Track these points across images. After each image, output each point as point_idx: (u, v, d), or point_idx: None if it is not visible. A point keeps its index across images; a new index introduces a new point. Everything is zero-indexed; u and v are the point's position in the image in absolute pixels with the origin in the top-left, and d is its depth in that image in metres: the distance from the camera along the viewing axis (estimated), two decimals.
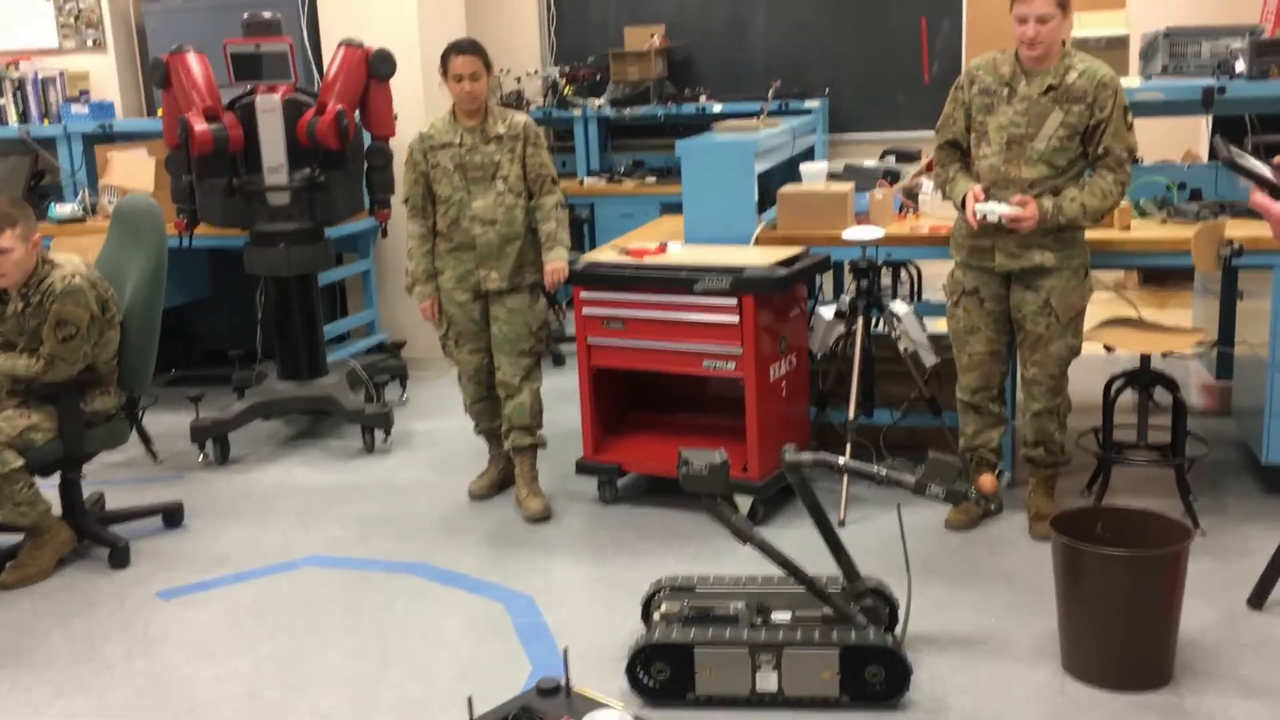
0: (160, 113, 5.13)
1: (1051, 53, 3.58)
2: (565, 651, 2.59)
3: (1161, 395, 4.01)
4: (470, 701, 2.39)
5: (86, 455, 4.06)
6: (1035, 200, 3.56)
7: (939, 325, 4.40)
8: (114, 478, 4.82)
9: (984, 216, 3.57)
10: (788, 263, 4.05)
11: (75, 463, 4.04)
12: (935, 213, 4.47)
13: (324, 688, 3.15)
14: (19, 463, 3.77)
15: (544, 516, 4.20)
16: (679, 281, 3.99)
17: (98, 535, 4.07)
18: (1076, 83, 3.56)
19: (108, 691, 3.17)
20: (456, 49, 4.04)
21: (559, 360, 6.21)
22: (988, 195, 3.66)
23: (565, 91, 7.58)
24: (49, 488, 3.98)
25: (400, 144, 4.72)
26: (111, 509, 4.33)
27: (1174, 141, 6.64)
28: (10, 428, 3.78)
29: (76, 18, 6.49)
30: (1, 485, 3.74)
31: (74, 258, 3.96)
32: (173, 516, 4.32)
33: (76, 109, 6.28)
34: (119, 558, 3.98)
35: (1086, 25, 6.94)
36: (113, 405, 4.03)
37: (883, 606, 3.09)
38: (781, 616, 3.06)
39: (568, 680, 2.49)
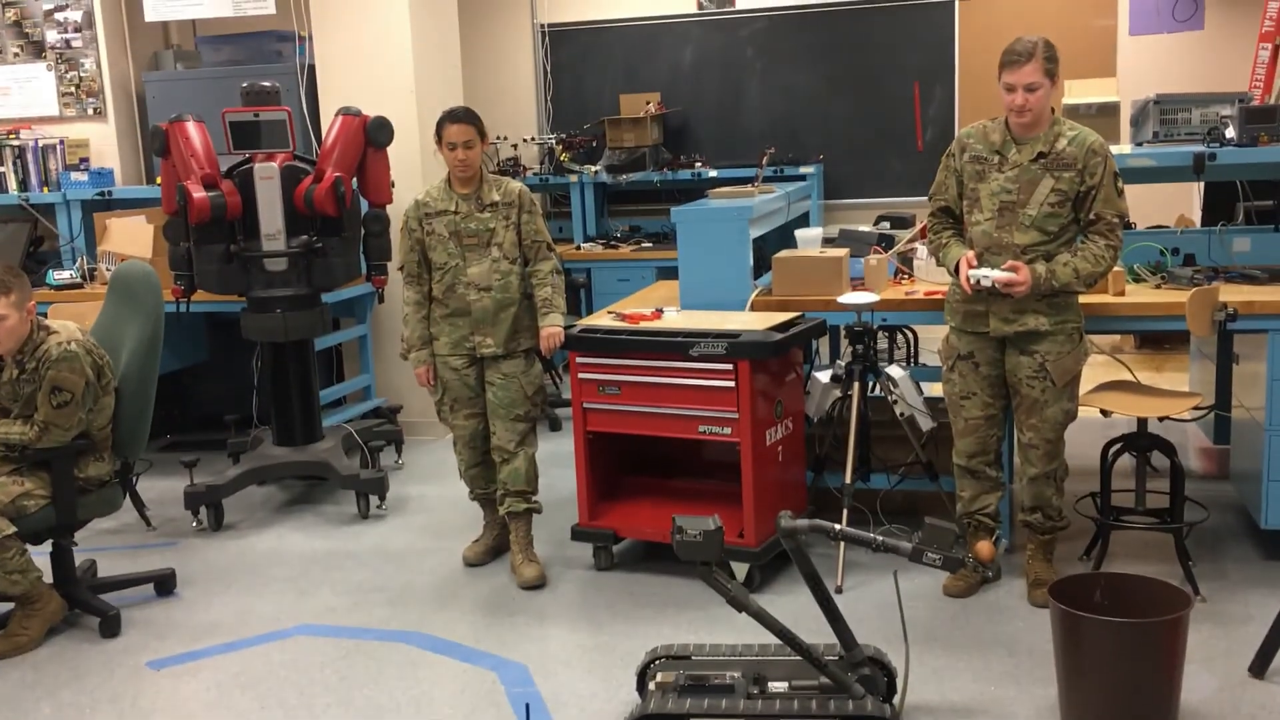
0: (159, 180, 5.17)
1: (1041, 120, 3.62)
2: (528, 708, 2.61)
3: (1159, 460, 4.00)
4: None
5: (79, 522, 4.02)
6: (1028, 266, 3.58)
7: (935, 389, 4.41)
8: (107, 544, 4.79)
9: (978, 282, 3.60)
10: (783, 327, 4.06)
11: (68, 530, 4.01)
12: (930, 277, 4.49)
13: None
14: (11, 530, 3.74)
15: (539, 583, 4.16)
16: (675, 346, 4.00)
17: (88, 604, 4.02)
18: (1066, 150, 3.60)
19: None
20: (451, 117, 4.08)
21: (555, 425, 6.20)
22: (981, 261, 3.68)
23: (562, 158, 7.66)
24: (39, 555, 3.95)
25: (397, 211, 4.76)
26: (103, 577, 4.28)
27: (1167, 207, 6.70)
28: (3, 494, 3.76)
29: (77, 86, 6.56)
30: None
31: (70, 324, 3.96)
32: (164, 584, 4.28)
33: (76, 176, 6.33)
34: (109, 627, 3.93)
35: (1078, 93, 7.06)
36: (106, 472, 4.01)
37: (880, 675, 3.05)
38: (778, 686, 3.01)
39: None
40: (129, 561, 4.58)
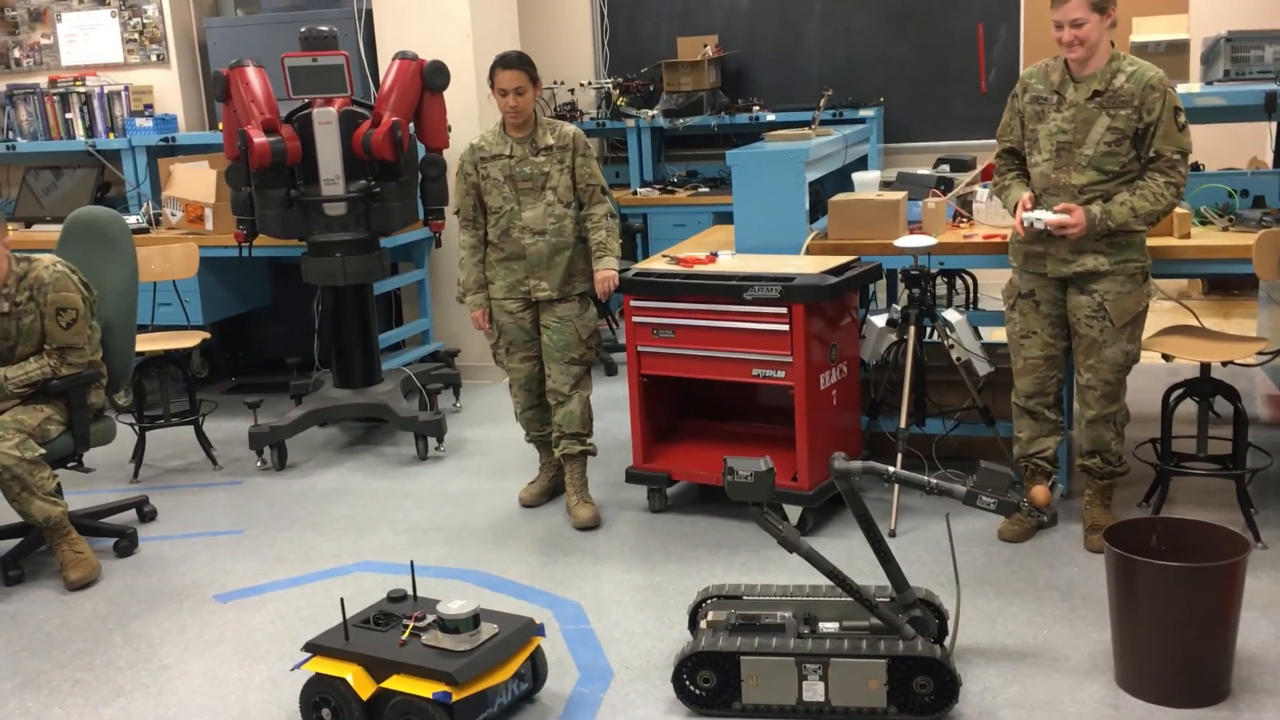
0: (221, 126, 5.24)
1: (1095, 57, 3.54)
2: (412, 564, 3.20)
3: (1223, 405, 3.93)
4: (342, 602, 3.02)
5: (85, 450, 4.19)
6: (1082, 207, 3.52)
7: (994, 334, 4.36)
8: (175, 483, 4.92)
9: (1031, 224, 3.55)
10: (838, 271, 4.03)
11: (78, 459, 4.17)
12: (989, 221, 4.42)
13: None
14: (41, 451, 3.87)
15: (593, 524, 4.21)
16: (729, 290, 3.99)
17: (99, 529, 4.25)
18: (1124, 87, 3.51)
19: (165, 691, 3.23)
20: (502, 63, 4.07)
21: (611, 369, 6.23)
22: (1039, 202, 3.62)
23: (618, 102, 7.60)
24: None
25: (454, 155, 4.77)
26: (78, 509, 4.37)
27: (1239, 148, 6.51)
28: (31, 419, 3.88)
29: (141, 33, 6.64)
30: (33, 473, 3.82)
31: (44, 255, 4.05)
32: (143, 512, 4.51)
33: (141, 123, 6.43)
34: (126, 545, 4.18)
35: (1146, 30, 6.82)
36: (103, 401, 4.15)
37: (932, 618, 3.05)
38: (829, 626, 3.04)
39: (415, 590, 3.14)
40: (196, 498, 4.71)
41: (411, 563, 3.22)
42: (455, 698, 2.77)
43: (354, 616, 3.04)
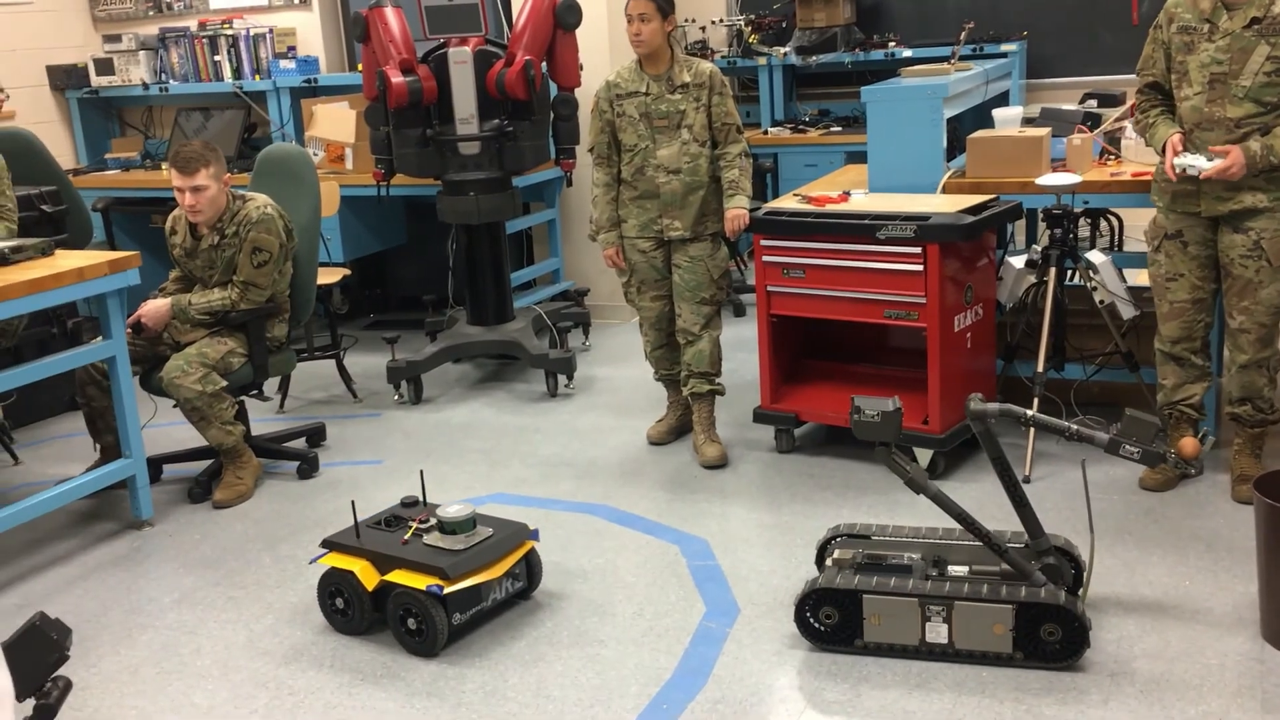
0: (360, 67, 5.35)
1: None
2: (422, 474, 3.55)
3: None
4: (353, 504, 3.35)
5: (264, 380, 4.42)
6: (1241, 146, 3.35)
7: (1139, 278, 4.20)
8: (319, 414, 5.11)
9: (1184, 170, 3.40)
10: (975, 210, 3.93)
11: (257, 387, 4.41)
12: (1138, 158, 4.24)
13: (505, 617, 3.28)
14: (223, 384, 4.09)
15: (721, 463, 4.23)
16: (861, 229, 3.93)
17: (282, 452, 4.51)
18: None
19: (312, 609, 3.38)
20: None
21: (739, 310, 6.21)
22: (1191, 137, 3.46)
23: (750, 40, 7.49)
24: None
25: (585, 94, 4.79)
26: (260, 434, 4.59)
27: None
28: (214, 352, 4.09)
29: None
30: (212, 404, 4.06)
31: (260, 194, 4.24)
32: (314, 437, 4.72)
33: (284, 64, 6.60)
34: (308, 468, 4.41)
35: None
36: (285, 334, 4.35)
37: (1067, 566, 3.00)
38: (958, 570, 3.01)
39: (424, 496, 3.44)
40: (338, 430, 4.89)
41: (421, 472, 3.56)
42: (447, 590, 3.03)
43: (367, 519, 3.35)
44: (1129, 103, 4.54)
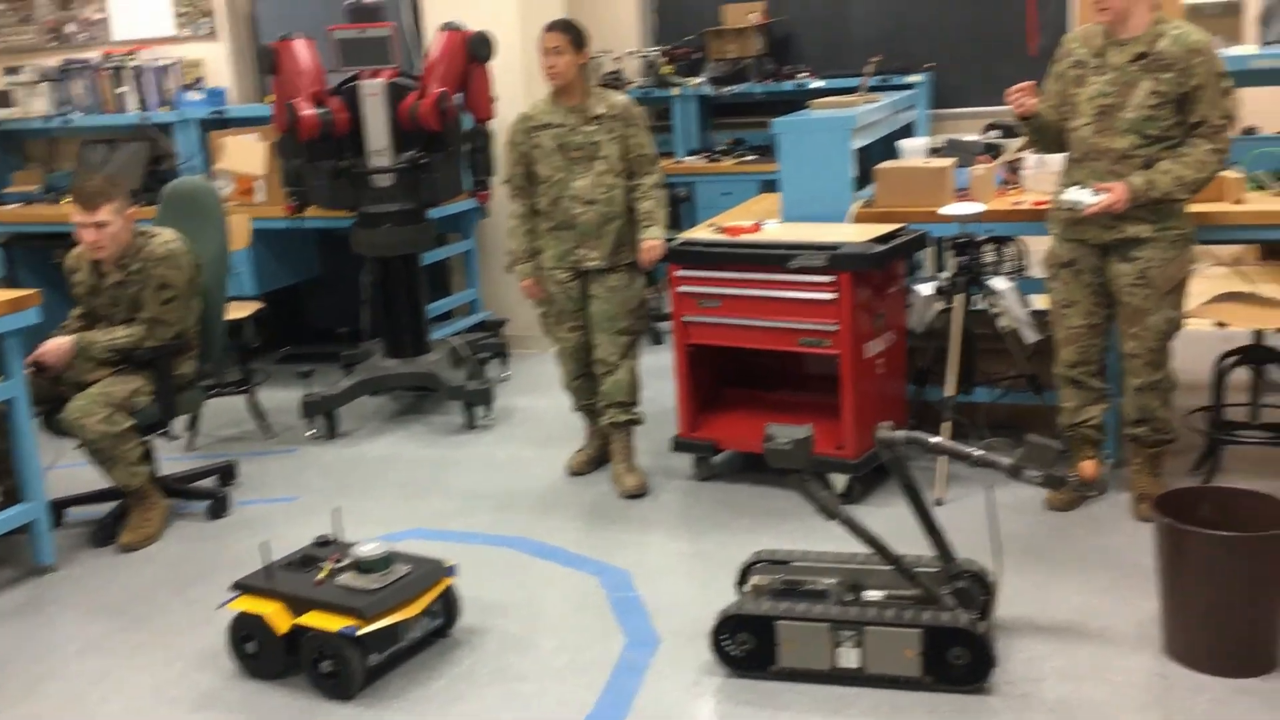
0: (270, 98, 5.30)
1: (1136, 19, 3.50)
2: (336, 511, 3.50)
3: (1276, 373, 3.88)
4: (265, 545, 3.25)
5: (172, 419, 4.33)
6: (1125, 181, 3.49)
7: (1042, 302, 4.32)
8: (230, 451, 5.01)
9: (1071, 207, 3.53)
10: (885, 239, 4.01)
11: (164, 426, 4.32)
12: (1038, 187, 4.37)
13: (422, 656, 3.24)
14: (130, 423, 3.99)
15: (640, 493, 4.25)
16: (774, 259, 3.99)
17: (190, 492, 4.43)
18: (1168, 49, 3.47)
19: (223, 654, 3.31)
20: (546, 26, 4.12)
21: (658, 339, 6.25)
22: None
23: (664, 71, 7.57)
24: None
25: (500, 125, 4.80)
26: (166, 474, 4.50)
27: None
28: (120, 391, 4.00)
29: (191, 7, 6.71)
30: (117, 445, 3.96)
31: (166, 229, 4.18)
32: (227, 475, 4.61)
33: (192, 96, 6.51)
34: (217, 508, 4.31)
35: None
36: (194, 371, 4.27)
37: (978, 589, 3.06)
38: (873, 595, 3.05)
39: (338, 536, 3.37)
40: (250, 467, 4.80)
41: (336, 510, 3.52)
42: (362, 630, 2.99)
43: (279, 559, 3.29)
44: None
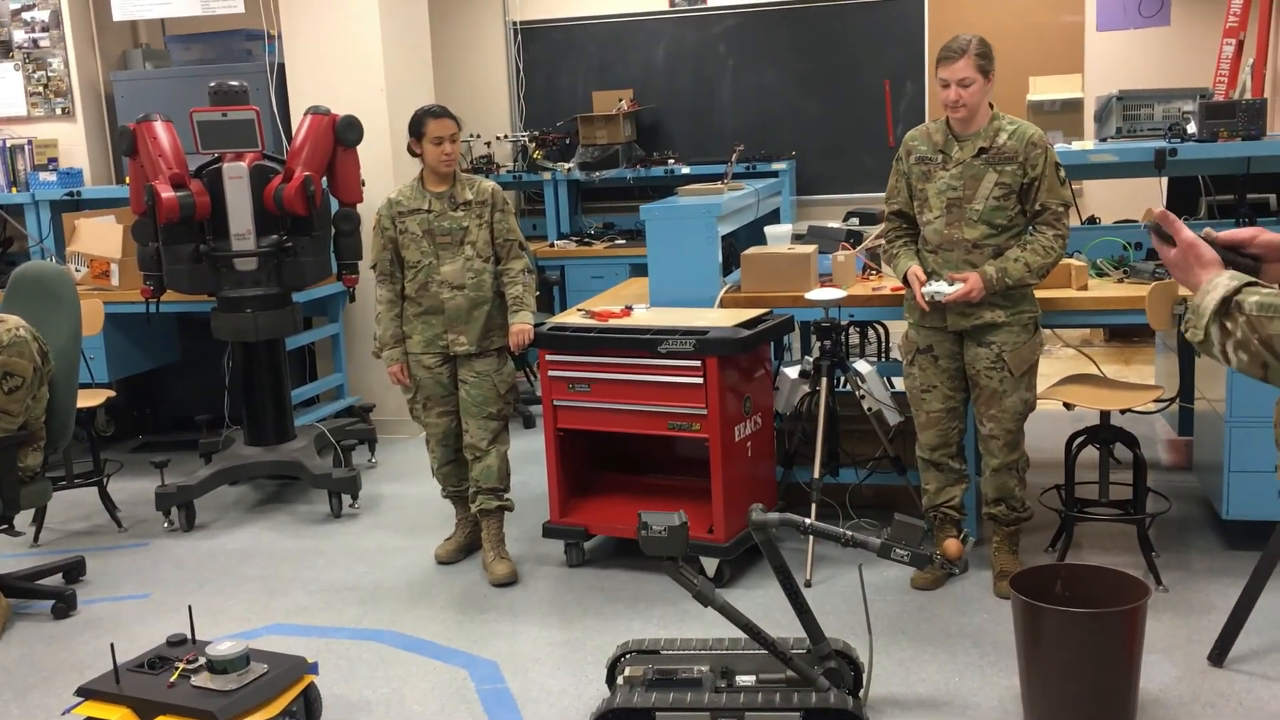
0: (128, 180, 5.16)
1: (977, 116, 3.70)
2: (190, 609, 3.33)
3: (1123, 452, 4.05)
4: (112, 647, 3.09)
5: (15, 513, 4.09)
6: (979, 271, 3.66)
7: (904, 384, 4.44)
8: (79, 546, 4.77)
9: (932, 298, 3.67)
10: (751, 324, 4.09)
11: (6, 522, 4.08)
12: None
13: None
14: None
15: (510, 580, 4.18)
16: (643, 343, 4.02)
17: (33, 591, 4.18)
18: (1007, 144, 3.67)
19: None
20: (431, 113, 4.10)
21: (529, 423, 6.21)
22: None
23: (535, 155, 7.66)
24: None
25: (368, 210, 4.76)
26: (7, 573, 4.31)
27: (1136, 202, 6.76)
28: None
29: (45, 86, 6.53)
30: None
31: (11, 316, 3.98)
32: (72, 573, 4.39)
33: (45, 176, 6.30)
34: (63, 607, 4.08)
35: (1042, 89, 7.12)
36: (40, 463, 4.06)
37: (847, 668, 3.08)
38: (746, 679, 3.04)
39: (193, 632, 3.23)
40: (100, 563, 4.57)
41: (189, 607, 3.38)
42: None
43: (129, 661, 3.15)
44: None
